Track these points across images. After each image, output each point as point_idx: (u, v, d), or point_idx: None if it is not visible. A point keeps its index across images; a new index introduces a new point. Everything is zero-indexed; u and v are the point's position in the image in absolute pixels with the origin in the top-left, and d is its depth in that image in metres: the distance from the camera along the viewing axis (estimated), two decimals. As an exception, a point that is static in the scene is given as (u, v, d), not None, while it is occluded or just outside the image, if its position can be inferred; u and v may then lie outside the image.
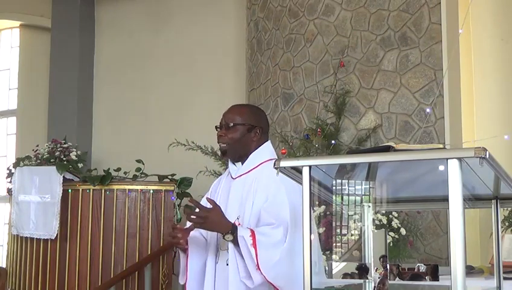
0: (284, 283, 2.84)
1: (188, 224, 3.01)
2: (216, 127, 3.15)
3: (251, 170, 3.06)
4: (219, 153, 5.04)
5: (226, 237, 2.85)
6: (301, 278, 2.81)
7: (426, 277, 2.84)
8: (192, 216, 2.84)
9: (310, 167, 2.42)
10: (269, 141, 3.18)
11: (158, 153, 6.63)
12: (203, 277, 3.03)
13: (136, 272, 5.91)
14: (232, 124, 3.06)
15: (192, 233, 3.07)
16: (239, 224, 2.93)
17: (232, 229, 2.85)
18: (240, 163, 3.08)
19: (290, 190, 2.87)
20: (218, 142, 3.11)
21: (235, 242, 2.84)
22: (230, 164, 3.13)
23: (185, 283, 3.08)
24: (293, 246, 2.85)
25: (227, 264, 2.89)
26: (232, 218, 2.96)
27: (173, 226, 3.17)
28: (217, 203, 3.00)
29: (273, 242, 2.82)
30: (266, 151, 3.11)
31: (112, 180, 6.13)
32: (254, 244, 2.79)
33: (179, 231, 3.05)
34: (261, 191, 2.93)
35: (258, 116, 3.17)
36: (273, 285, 2.84)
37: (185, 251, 3.08)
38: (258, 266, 2.79)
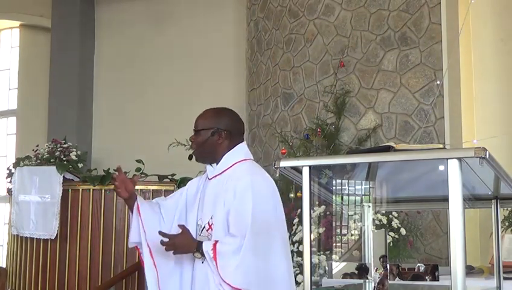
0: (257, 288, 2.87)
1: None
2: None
3: (225, 170, 3.10)
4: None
5: (195, 255, 2.97)
6: (279, 279, 2.90)
7: (426, 277, 2.84)
8: (162, 245, 2.96)
9: (310, 167, 2.42)
10: (244, 142, 3.22)
11: (158, 153, 6.62)
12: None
13: (136, 272, 5.91)
14: (197, 129, 3.17)
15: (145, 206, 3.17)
16: (212, 224, 3.02)
17: (198, 246, 2.94)
18: (215, 164, 3.16)
19: (258, 191, 2.93)
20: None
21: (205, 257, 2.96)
22: (207, 165, 3.20)
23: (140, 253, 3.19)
24: (260, 249, 2.87)
25: (203, 263, 2.97)
26: (207, 217, 3.05)
27: (113, 176, 3.30)
28: (197, 203, 3.12)
29: (233, 249, 2.87)
30: (240, 152, 3.15)
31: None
32: (214, 257, 2.88)
33: (118, 181, 3.20)
34: (231, 191, 3.00)
35: (223, 119, 3.20)
36: None
37: (132, 207, 3.17)
38: (220, 276, 2.86)
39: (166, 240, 2.94)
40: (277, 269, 2.92)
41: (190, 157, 3.17)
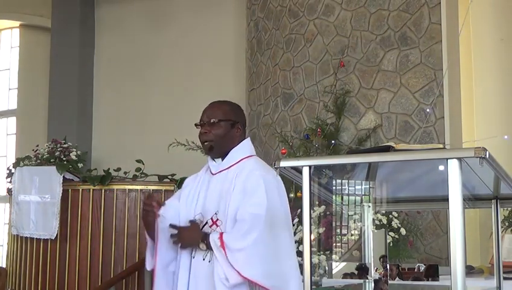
0: (273, 283, 2.84)
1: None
2: (196, 124, 3.16)
3: (231, 166, 3.05)
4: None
5: (200, 247, 2.92)
6: (293, 276, 2.86)
7: (426, 277, 2.84)
8: (172, 237, 2.95)
9: (310, 167, 2.42)
10: (249, 138, 3.20)
11: (158, 153, 6.62)
12: (172, 269, 3.08)
13: (136, 272, 5.91)
14: (216, 121, 3.07)
15: (161, 226, 3.10)
16: (217, 219, 2.96)
17: (203, 237, 2.91)
18: (220, 159, 3.09)
19: (270, 188, 2.90)
20: (201, 140, 3.11)
21: (210, 248, 2.89)
22: (210, 160, 3.14)
23: (154, 270, 3.11)
24: (271, 243, 2.85)
25: (204, 259, 2.93)
26: (210, 213, 2.99)
27: (149, 195, 3.23)
28: (195, 198, 3.07)
29: (244, 240, 2.84)
30: (247, 148, 3.12)
31: (112, 180, 6.13)
32: (222, 245, 2.84)
33: (154, 201, 3.04)
34: (239, 188, 2.95)
35: (238, 112, 3.20)
36: (256, 283, 2.83)
37: (153, 237, 3.09)
38: (230, 263, 2.82)
39: (175, 232, 2.92)
40: (287, 264, 2.91)
41: (211, 149, 3.06)
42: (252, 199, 2.89)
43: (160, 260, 3.06)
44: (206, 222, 3.00)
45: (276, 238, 2.87)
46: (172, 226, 2.95)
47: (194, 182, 3.18)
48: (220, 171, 3.07)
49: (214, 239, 2.86)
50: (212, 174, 3.10)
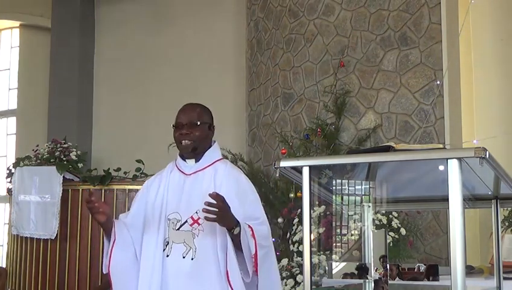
0: (265, 276, 2.98)
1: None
2: (173, 125, 3.21)
3: (206, 167, 3.15)
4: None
5: (235, 231, 2.89)
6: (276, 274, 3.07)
7: (426, 277, 2.84)
8: (209, 207, 2.83)
9: (310, 167, 2.42)
10: (216, 141, 3.32)
11: (158, 153, 6.62)
12: (132, 268, 3.07)
13: (136, 272, 5.91)
14: (198, 122, 3.14)
15: (119, 227, 3.11)
16: (198, 218, 3.02)
17: (237, 222, 2.92)
18: (193, 160, 3.17)
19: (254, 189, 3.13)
20: (181, 140, 3.15)
21: (236, 235, 2.90)
22: (180, 161, 3.21)
23: (109, 273, 3.12)
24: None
25: (184, 257, 2.97)
26: (190, 212, 3.04)
27: (90, 194, 3.25)
28: (166, 198, 3.11)
29: (263, 236, 2.97)
30: (218, 150, 3.24)
31: (112, 180, 6.13)
32: (253, 235, 2.91)
33: (96, 201, 3.04)
34: (228, 187, 3.04)
35: (211, 115, 3.29)
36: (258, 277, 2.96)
37: (109, 235, 3.09)
38: (256, 255, 2.90)
39: (214, 202, 2.81)
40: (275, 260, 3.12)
41: (194, 149, 3.13)
42: (250, 200, 3.05)
43: (115, 262, 3.05)
44: (186, 221, 3.04)
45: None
46: (214, 196, 2.85)
47: (159, 183, 3.22)
48: (196, 172, 3.14)
49: (244, 227, 2.90)
50: (186, 174, 3.15)
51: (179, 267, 2.98)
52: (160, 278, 2.99)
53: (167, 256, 3.01)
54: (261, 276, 2.93)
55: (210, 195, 2.81)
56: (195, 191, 3.08)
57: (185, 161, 3.18)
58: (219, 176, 3.09)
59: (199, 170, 3.14)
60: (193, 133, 3.12)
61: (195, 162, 3.16)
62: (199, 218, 3.01)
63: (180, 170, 3.18)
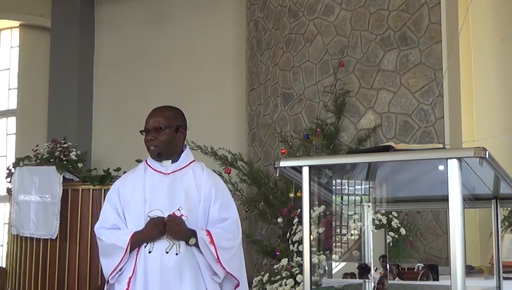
0: (239, 274, 3.22)
1: None
2: (141, 131, 3.37)
3: (183, 167, 3.30)
4: (220, 154, 5.19)
5: (190, 242, 3.10)
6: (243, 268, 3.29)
7: (426, 277, 2.84)
8: (168, 220, 3.10)
9: (310, 167, 2.42)
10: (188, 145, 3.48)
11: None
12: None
13: (136, 272, 5.90)
14: (162, 127, 3.26)
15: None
16: (181, 215, 3.15)
17: (191, 232, 3.12)
18: (169, 161, 3.31)
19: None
20: (148, 145, 3.31)
21: (197, 244, 3.11)
22: (155, 162, 3.32)
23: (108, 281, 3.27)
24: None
25: (167, 253, 3.08)
26: (172, 209, 3.16)
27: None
28: (144, 196, 3.22)
29: (227, 237, 3.18)
30: (191, 153, 3.42)
31: (112, 180, 6.13)
32: (212, 242, 3.10)
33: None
34: (207, 187, 3.23)
35: (181, 116, 3.40)
36: (233, 276, 3.20)
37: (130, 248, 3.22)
38: (218, 260, 3.11)
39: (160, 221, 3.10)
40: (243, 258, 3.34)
41: (159, 155, 3.27)
42: (224, 201, 3.26)
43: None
44: None
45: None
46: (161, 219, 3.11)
47: (132, 183, 3.32)
48: (174, 172, 3.27)
49: (202, 236, 3.09)
50: (165, 173, 3.26)
51: (163, 263, 3.08)
52: (143, 275, 3.08)
53: (149, 252, 3.10)
54: (235, 273, 3.19)
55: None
56: (177, 188, 3.22)
57: (161, 161, 3.30)
58: (198, 176, 3.26)
59: (177, 170, 3.28)
60: (158, 139, 3.26)
61: (172, 162, 3.30)
62: (182, 215, 3.15)
63: (156, 170, 3.30)
